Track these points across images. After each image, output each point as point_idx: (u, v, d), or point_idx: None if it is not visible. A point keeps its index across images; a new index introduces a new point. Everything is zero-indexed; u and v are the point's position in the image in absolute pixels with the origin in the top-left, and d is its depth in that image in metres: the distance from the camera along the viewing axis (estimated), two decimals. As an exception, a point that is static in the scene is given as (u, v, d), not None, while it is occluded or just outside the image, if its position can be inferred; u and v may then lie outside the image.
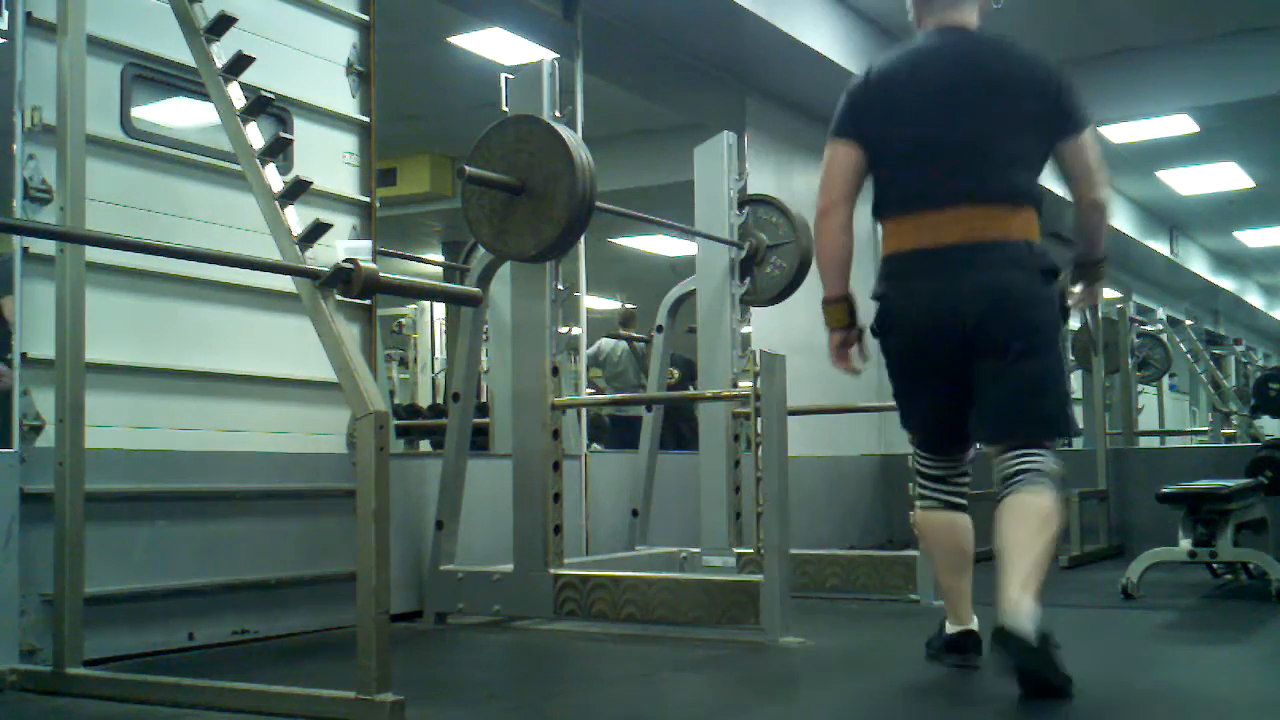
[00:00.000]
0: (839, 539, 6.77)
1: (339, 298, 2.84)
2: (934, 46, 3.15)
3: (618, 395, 7.50)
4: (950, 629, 3.23)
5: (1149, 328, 9.79)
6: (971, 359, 2.99)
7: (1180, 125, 8.99)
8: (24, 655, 3.16)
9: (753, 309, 5.90)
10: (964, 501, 3.23)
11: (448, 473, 4.29)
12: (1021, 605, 2.69)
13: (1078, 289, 3.32)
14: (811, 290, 5.16)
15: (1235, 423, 9.93)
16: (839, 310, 3.18)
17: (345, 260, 2.78)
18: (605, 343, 8.53)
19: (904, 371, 3.15)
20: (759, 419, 3.80)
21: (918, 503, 3.28)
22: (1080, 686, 2.82)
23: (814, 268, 4.54)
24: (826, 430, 6.78)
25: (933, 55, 3.13)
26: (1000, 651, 2.69)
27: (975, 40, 3.17)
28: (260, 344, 3.92)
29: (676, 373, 7.26)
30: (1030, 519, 2.85)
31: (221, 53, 3.18)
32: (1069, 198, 3.18)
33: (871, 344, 3.24)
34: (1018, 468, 2.93)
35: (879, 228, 3.17)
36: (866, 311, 3.22)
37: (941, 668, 3.24)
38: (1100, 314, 7.58)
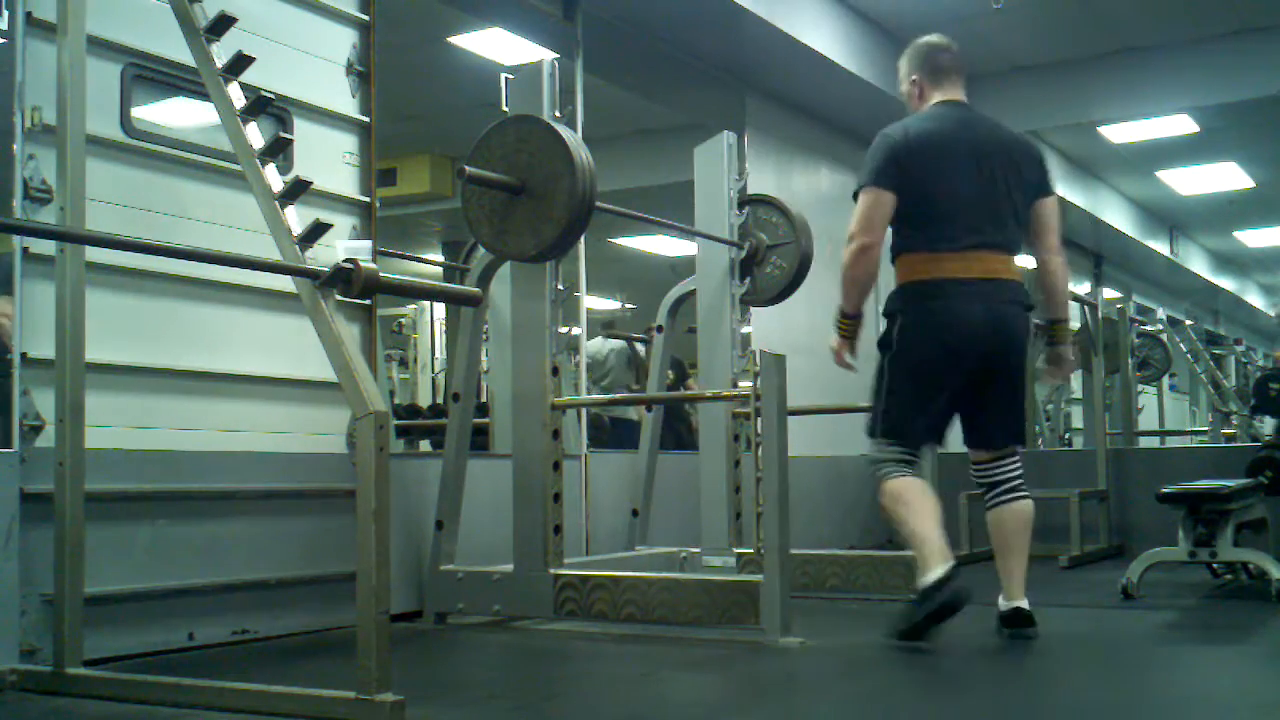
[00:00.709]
0: (839, 539, 6.77)
1: (339, 298, 2.83)
2: (957, 118, 3.75)
3: (617, 395, 7.49)
4: (930, 575, 3.45)
5: (1149, 328, 9.79)
6: (975, 373, 3.65)
7: (1180, 125, 8.99)
8: (24, 655, 3.16)
9: (753, 309, 5.89)
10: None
11: (448, 473, 4.29)
12: (1024, 596, 3.68)
13: (1048, 364, 4.04)
14: (811, 290, 5.19)
15: (1235, 423, 9.93)
16: (856, 324, 3.80)
17: (345, 260, 2.78)
18: (591, 344, 8.48)
19: (922, 374, 3.66)
20: (759, 419, 3.80)
21: (886, 476, 3.65)
22: (1081, 686, 2.88)
23: (813, 270, 4.77)
24: (826, 430, 6.77)
25: (958, 125, 3.73)
26: (1015, 622, 3.64)
27: (981, 116, 3.83)
28: (260, 344, 3.92)
29: (671, 374, 7.24)
30: (1025, 528, 3.70)
31: (221, 53, 3.18)
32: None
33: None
34: (1005, 476, 3.73)
35: (899, 260, 3.73)
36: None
37: (941, 668, 3.24)
38: (1100, 314, 7.58)
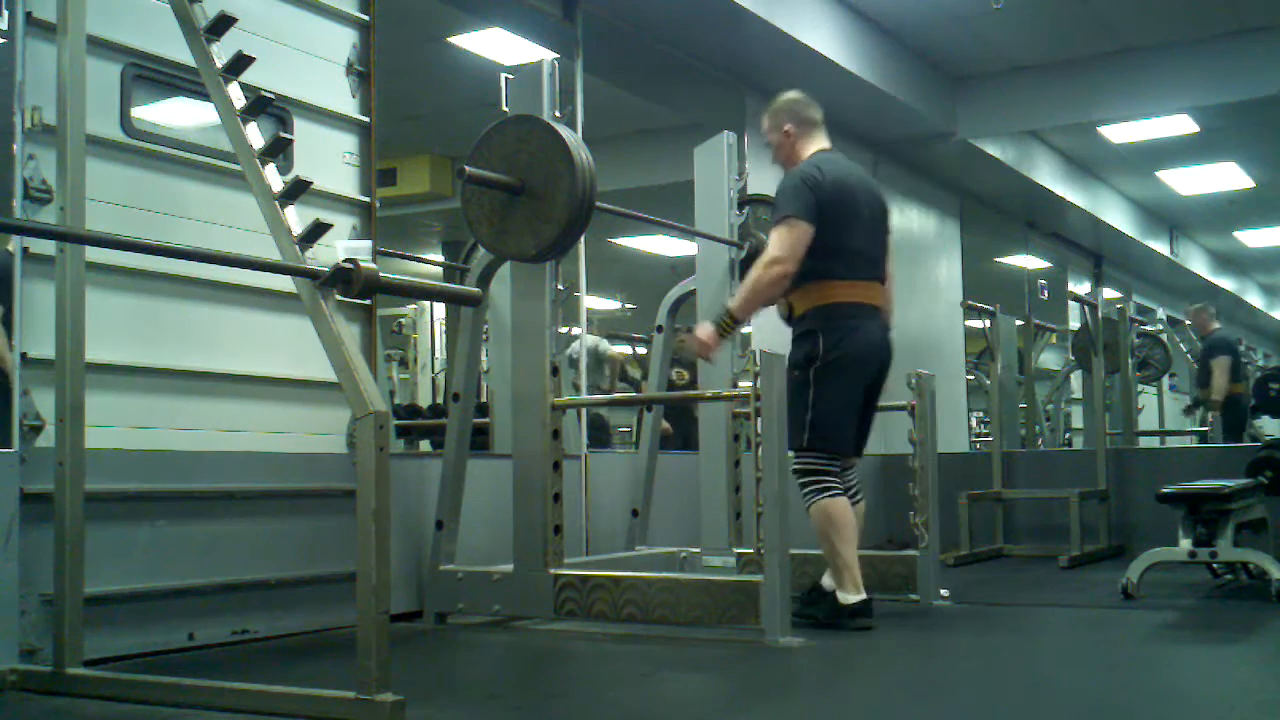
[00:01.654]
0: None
1: (339, 298, 2.84)
2: (846, 165, 4.25)
3: (618, 395, 7.49)
4: (852, 598, 3.97)
5: (1149, 328, 9.79)
6: (868, 387, 4.11)
7: (1180, 125, 8.99)
8: (24, 655, 3.16)
9: (753, 309, 5.88)
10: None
11: (448, 473, 4.29)
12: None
13: None
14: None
15: (1235, 423, 9.90)
16: (738, 330, 4.24)
17: (345, 260, 2.78)
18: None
19: (846, 386, 4.05)
20: (759, 419, 3.80)
21: (820, 495, 3.99)
22: (1080, 687, 2.88)
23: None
24: (826, 430, 6.76)
25: (848, 172, 4.22)
26: (867, 613, 3.96)
27: (854, 163, 4.36)
28: (260, 344, 3.92)
29: (685, 374, 7.23)
30: (858, 527, 4.13)
31: (221, 53, 3.18)
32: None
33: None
34: (855, 480, 4.24)
35: (813, 285, 4.04)
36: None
37: (940, 668, 3.24)
38: (1100, 314, 7.58)
